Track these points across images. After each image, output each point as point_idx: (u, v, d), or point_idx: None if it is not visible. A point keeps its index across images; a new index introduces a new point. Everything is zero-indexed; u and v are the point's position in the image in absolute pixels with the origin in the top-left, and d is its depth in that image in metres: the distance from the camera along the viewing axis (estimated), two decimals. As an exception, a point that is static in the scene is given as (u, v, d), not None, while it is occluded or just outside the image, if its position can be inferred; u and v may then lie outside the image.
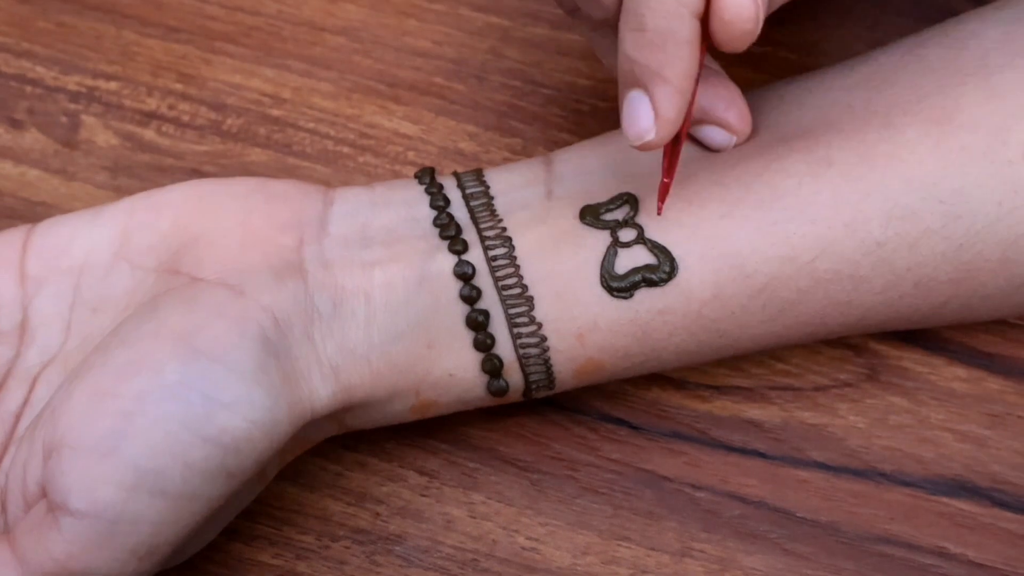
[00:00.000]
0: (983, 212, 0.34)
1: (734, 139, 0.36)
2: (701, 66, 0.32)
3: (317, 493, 0.38)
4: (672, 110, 0.32)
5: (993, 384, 0.40)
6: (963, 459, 0.38)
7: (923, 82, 0.36)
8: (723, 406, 0.39)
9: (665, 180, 0.34)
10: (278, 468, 0.36)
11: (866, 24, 0.45)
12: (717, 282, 0.34)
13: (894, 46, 0.38)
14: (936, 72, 0.36)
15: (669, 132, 0.32)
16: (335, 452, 0.39)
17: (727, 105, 0.36)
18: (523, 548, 0.37)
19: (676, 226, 0.35)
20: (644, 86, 0.32)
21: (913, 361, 0.40)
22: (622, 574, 0.37)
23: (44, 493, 0.32)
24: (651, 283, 0.34)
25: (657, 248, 0.35)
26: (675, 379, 0.40)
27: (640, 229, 0.35)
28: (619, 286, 0.34)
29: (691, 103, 0.33)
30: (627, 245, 0.35)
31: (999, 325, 0.40)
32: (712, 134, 0.36)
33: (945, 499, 0.38)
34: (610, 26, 0.35)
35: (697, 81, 0.32)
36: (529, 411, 0.39)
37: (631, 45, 0.32)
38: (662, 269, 0.34)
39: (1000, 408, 0.39)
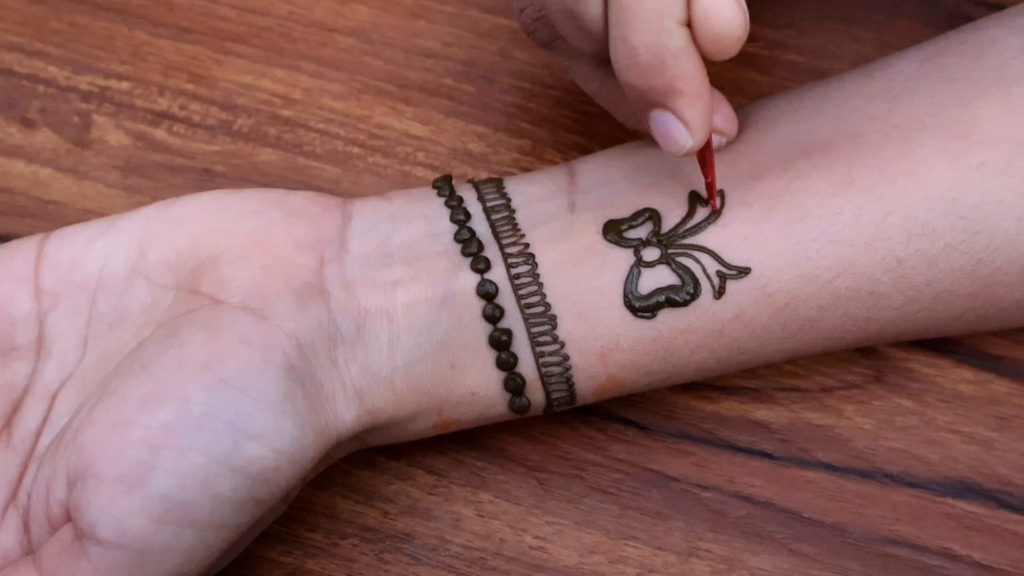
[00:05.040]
0: (1002, 227, 0.35)
1: (723, 140, 0.36)
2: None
3: (326, 491, 0.38)
4: (698, 115, 0.32)
5: (1000, 386, 0.40)
6: (969, 461, 0.39)
7: (942, 93, 0.36)
8: (730, 407, 0.40)
9: (709, 180, 0.35)
10: (301, 486, 0.36)
11: (873, 27, 0.45)
12: (739, 302, 0.34)
13: (913, 53, 0.38)
14: (955, 82, 0.36)
15: (705, 133, 0.33)
16: (344, 450, 0.39)
17: (713, 109, 0.36)
18: (530, 547, 0.38)
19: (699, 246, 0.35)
20: (662, 106, 0.32)
21: (920, 363, 0.40)
22: (629, 573, 0.37)
23: (69, 516, 0.32)
24: (674, 304, 0.34)
25: (680, 268, 0.35)
26: (682, 380, 0.40)
27: (663, 249, 0.35)
28: (642, 306, 0.34)
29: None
30: (650, 265, 0.35)
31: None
32: None
33: (951, 500, 0.38)
34: (593, 56, 0.35)
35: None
36: (537, 411, 0.39)
37: (631, 74, 0.32)
38: (685, 290, 0.34)
39: (1007, 410, 0.39)
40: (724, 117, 0.36)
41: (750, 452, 0.39)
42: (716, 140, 0.36)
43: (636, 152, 0.37)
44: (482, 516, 0.38)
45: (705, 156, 0.34)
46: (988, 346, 0.40)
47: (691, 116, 0.32)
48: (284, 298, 0.33)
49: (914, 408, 0.39)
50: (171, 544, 0.30)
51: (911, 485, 0.38)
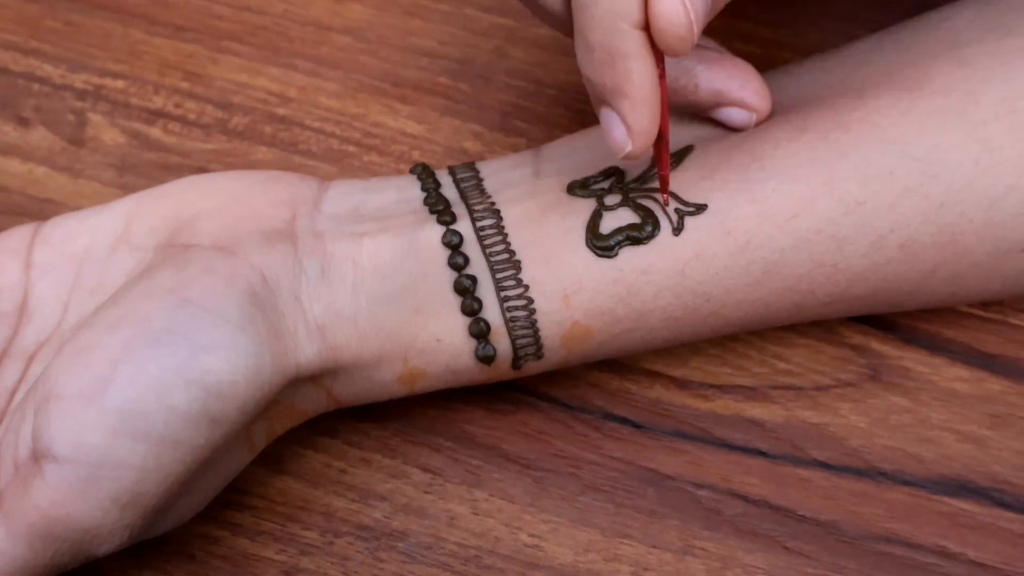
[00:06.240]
0: (960, 171, 0.35)
1: (754, 116, 0.37)
2: (661, 69, 0.32)
3: (321, 489, 0.38)
4: (640, 121, 0.32)
5: (994, 385, 0.40)
6: (964, 459, 0.39)
7: (896, 59, 0.37)
8: (725, 405, 0.40)
9: (662, 173, 0.35)
10: (267, 438, 0.36)
11: (870, 26, 0.45)
12: (699, 240, 0.35)
13: (873, 34, 0.39)
14: (910, 51, 0.37)
15: (644, 141, 0.33)
16: (339, 449, 0.39)
17: (741, 85, 0.36)
18: (526, 545, 0.38)
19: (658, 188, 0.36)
20: (608, 103, 0.32)
21: (915, 361, 0.40)
22: (624, 571, 0.37)
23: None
24: (635, 241, 0.35)
25: (640, 208, 0.35)
26: (678, 378, 0.40)
27: (625, 192, 0.36)
28: (603, 244, 0.35)
29: (664, 103, 0.33)
30: (612, 208, 0.35)
31: (1000, 326, 0.40)
32: (732, 115, 0.37)
33: (946, 499, 0.38)
34: None
35: (663, 80, 0.33)
36: (532, 409, 0.39)
37: (585, 66, 0.32)
38: (645, 227, 0.35)
39: (1001, 409, 0.39)
40: (754, 92, 0.36)
41: (745, 450, 0.39)
42: (747, 118, 0.37)
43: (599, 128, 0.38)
44: (477, 514, 0.38)
45: (660, 152, 0.35)
46: (983, 344, 0.40)
47: (633, 120, 0.32)
48: (253, 237, 0.35)
49: (909, 406, 0.39)
50: (125, 459, 0.31)
51: (906, 483, 0.38)
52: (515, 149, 0.44)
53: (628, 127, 0.32)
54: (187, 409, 0.31)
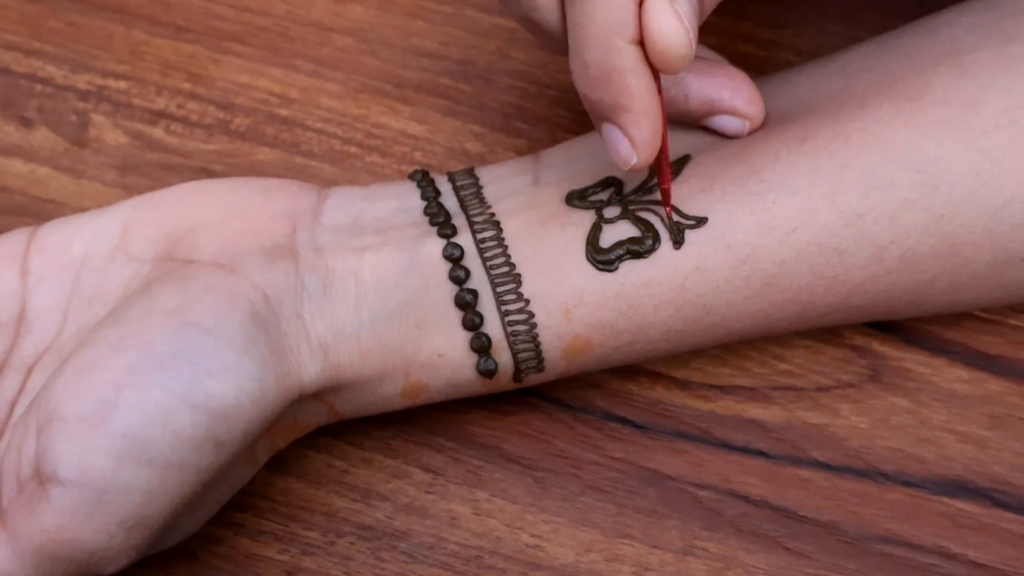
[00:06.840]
0: (961, 183, 0.35)
1: (747, 124, 0.37)
2: (658, 81, 0.32)
3: (323, 489, 0.38)
4: (643, 133, 0.32)
5: (995, 386, 0.40)
6: (964, 460, 0.39)
7: (897, 66, 0.37)
8: (726, 406, 0.40)
9: (664, 187, 0.35)
10: (269, 453, 0.36)
11: (870, 27, 0.45)
12: (699, 253, 0.35)
13: (873, 39, 0.39)
14: (910, 57, 0.37)
15: (649, 152, 0.33)
16: (341, 449, 0.39)
17: (732, 93, 0.36)
18: (527, 545, 0.38)
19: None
20: (608, 119, 0.33)
21: (915, 362, 0.40)
22: (625, 572, 0.37)
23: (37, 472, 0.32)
24: (635, 255, 0.35)
25: (640, 221, 0.35)
26: (678, 379, 0.40)
27: (625, 205, 0.36)
28: (604, 259, 0.35)
29: (663, 114, 0.33)
30: (612, 221, 0.35)
31: (1000, 327, 0.40)
32: (725, 123, 0.37)
33: (946, 499, 0.38)
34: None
35: (660, 94, 0.33)
36: (533, 409, 0.39)
37: (582, 83, 0.32)
38: (645, 241, 0.35)
39: (1001, 409, 0.39)
40: (746, 99, 0.36)
41: (746, 451, 0.39)
42: (740, 124, 0.37)
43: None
44: (479, 514, 0.38)
45: (661, 164, 0.35)
46: (983, 345, 0.40)
47: (636, 134, 0.32)
48: (254, 255, 0.34)
49: (909, 407, 0.39)
50: (131, 483, 0.31)
51: (906, 484, 0.38)
52: (516, 150, 0.44)
53: (632, 140, 0.32)
54: (192, 433, 0.31)
